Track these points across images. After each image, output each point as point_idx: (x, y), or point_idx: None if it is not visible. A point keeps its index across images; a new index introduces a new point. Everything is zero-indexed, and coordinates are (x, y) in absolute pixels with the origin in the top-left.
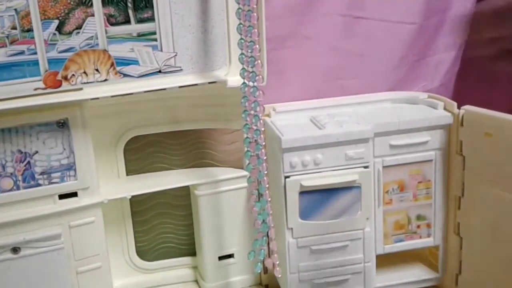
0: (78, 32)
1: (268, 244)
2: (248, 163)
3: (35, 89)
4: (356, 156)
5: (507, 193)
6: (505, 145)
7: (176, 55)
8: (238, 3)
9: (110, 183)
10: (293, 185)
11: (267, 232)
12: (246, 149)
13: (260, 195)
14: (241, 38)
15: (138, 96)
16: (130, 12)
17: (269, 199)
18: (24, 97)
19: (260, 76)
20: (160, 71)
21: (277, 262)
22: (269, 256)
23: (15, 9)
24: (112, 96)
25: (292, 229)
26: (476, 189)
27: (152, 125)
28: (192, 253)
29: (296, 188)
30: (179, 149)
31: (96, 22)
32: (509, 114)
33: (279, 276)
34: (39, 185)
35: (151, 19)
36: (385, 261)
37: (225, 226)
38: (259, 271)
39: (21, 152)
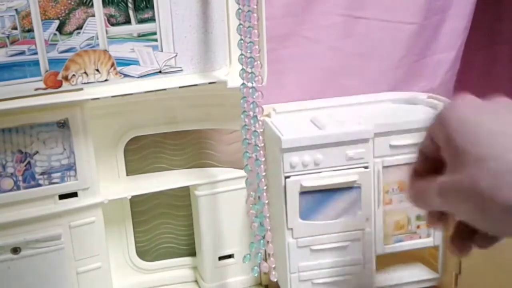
0: (79, 32)
1: (266, 245)
2: (246, 165)
3: (36, 89)
4: (356, 156)
5: None
6: None
7: (176, 55)
8: (238, 4)
9: (110, 183)
10: (293, 185)
11: (264, 235)
12: (244, 150)
13: (257, 197)
14: (241, 39)
15: (139, 97)
16: (131, 12)
17: (266, 201)
18: (24, 97)
19: (260, 77)
20: (160, 72)
21: (273, 266)
22: (265, 260)
23: (16, 9)
24: (113, 97)
25: (292, 229)
26: None
27: (152, 125)
28: (192, 253)
29: (296, 188)
30: (179, 150)
31: (96, 23)
32: None
33: (275, 280)
34: (39, 185)
35: (152, 19)
36: (385, 261)
37: (225, 226)
38: (256, 274)
39: (22, 152)
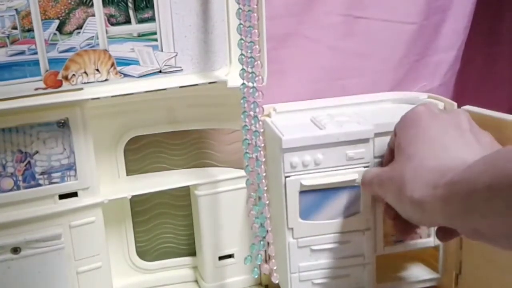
0: (79, 32)
1: (267, 247)
2: (247, 165)
3: (36, 89)
4: (356, 156)
5: None
6: (505, 145)
7: (176, 55)
8: (238, 3)
9: (110, 183)
10: (293, 185)
11: (264, 236)
12: (245, 150)
13: (258, 198)
14: (241, 39)
15: (139, 96)
16: (131, 12)
17: (267, 202)
18: (24, 97)
19: (260, 77)
20: (160, 71)
21: (275, 268)
22: (266, 261)
23: (16, 9)
24: (113, 96)
25: (292, 229)
26: None
27: (152, 125)
28: (192, 253)
29: (296, 187)
30: (179, 149)
31: (96, 22)
32: (509, 114)
33: (276, 282)
34: (39, 185)
35: (152, 19)
36: (385, 261)
37: (225, 226)
38: (256, 276)
39: (22, 152)
